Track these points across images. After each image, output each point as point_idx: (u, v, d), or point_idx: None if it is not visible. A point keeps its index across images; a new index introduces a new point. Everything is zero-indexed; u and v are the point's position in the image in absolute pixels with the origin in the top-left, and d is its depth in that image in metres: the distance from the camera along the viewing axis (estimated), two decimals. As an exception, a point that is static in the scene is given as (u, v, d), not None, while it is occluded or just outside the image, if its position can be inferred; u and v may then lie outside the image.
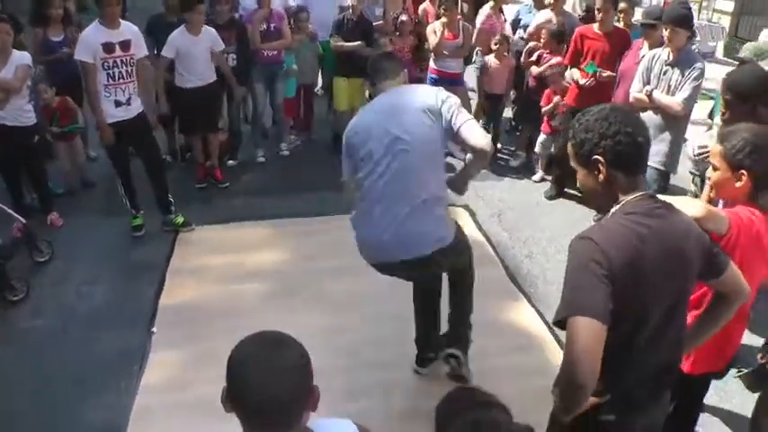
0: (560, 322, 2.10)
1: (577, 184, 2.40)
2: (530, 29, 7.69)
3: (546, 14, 7.57)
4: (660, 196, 2.28)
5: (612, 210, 2.20)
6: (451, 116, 3.46)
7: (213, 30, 6.54)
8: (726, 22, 14.45)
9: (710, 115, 4.97)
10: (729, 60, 13.03)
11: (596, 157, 2.16)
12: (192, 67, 6.46)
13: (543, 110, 7.09)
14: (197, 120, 6.80)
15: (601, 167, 2.16)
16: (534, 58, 7.28)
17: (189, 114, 6.80)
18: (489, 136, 3.95)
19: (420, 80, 7.75)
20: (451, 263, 3.84)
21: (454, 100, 3.55)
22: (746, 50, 4.60)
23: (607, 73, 6.19)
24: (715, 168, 2.86)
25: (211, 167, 7.10)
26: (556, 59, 7.01)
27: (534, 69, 7.24)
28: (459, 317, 4.13)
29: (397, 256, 3.56)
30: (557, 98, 6.91)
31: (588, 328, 1.99)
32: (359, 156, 3.57)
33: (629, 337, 2.13)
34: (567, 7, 8.00)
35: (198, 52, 6.42)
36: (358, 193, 3.65)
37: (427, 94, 3.58)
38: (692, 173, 5.06)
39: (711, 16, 14.30)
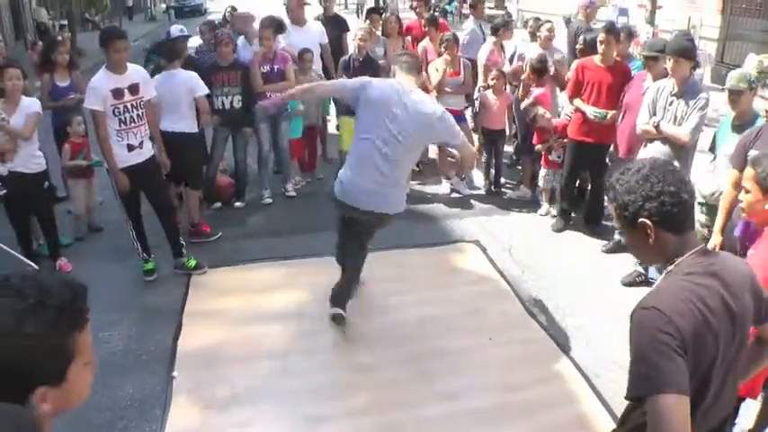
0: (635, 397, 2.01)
1: (627, 244, 2.36)
2: (512, 66, 7.99)
3: (534, 49, 7.74)
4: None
5: (668, 269, 2.14)
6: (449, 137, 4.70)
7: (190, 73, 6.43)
8: (711, 48, 14.74)
9: (712, 148, 5.03)
10: (717, 86, 13.26)
11: (643, 220, 2.10)
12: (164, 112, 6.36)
13: (536, 148, 7.20)
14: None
15: (649, 231, 2.10)
16: (521, 91, 7.45)
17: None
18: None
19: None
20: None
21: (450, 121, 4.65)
22: (732, 79, 4.68)
23: (610, 114, 6.27)
24: (746, 191, 2.93)
25: (193, 224, 6.79)
26: (538, 91, 7.20)
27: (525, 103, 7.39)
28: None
29: (368, 206, 4.63)
30: (551, 138, 7.02)
31: (677, 404, 1.90)
32: (369, 106, 4.55)
33: (694, 398, 2.03)
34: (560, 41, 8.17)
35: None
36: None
37: (435, 110, 4.59)
38: (699, 203, 5.10)
39: (698, 43, 14.58)
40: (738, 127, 4.72)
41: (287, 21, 7.94)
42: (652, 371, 1.95)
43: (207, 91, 6.41)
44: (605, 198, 6.74)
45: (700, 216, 5.09)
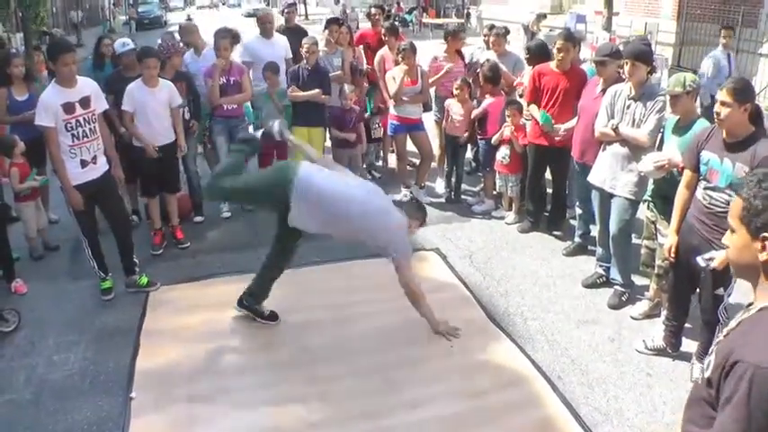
0: None
1: (728, 250, 2.15)
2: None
3: (488, 55, 7.78)
4: None
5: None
6: None
7: (171, 83, 6.50)
8: (668, 53, 15.02)
9: (659, 148, 5.06)
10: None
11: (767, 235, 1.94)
12: (149, 124, 6.34)
13: (493, 138, 7.21)
14: (157, 180, 6.62)
15: (766, 248, 1.94)
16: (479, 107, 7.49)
17: (149, 175, 6.61)
18: None
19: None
20: None
21: None
22: (669, 84, 4.73)
23: (564, 127, 6.37)
24: (731, 231, 2.70)
25: (172, 228, 6.95)
26: (488, 101, 7.38)
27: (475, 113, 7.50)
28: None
29: None
30: (508, 129, 7.06)
31: None
32: None
33: None
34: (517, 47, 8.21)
35: (155, 107, 6.32)
36: None
37: None
38: (646, 200, 5.16)
39: (654, 48, 14.84)
40: (681, 129, 4.78)
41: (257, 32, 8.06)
42: None
43: (127, 109, 6.30)
44: (567, 200, 6.88)
45: (647, 212, 5.15)
